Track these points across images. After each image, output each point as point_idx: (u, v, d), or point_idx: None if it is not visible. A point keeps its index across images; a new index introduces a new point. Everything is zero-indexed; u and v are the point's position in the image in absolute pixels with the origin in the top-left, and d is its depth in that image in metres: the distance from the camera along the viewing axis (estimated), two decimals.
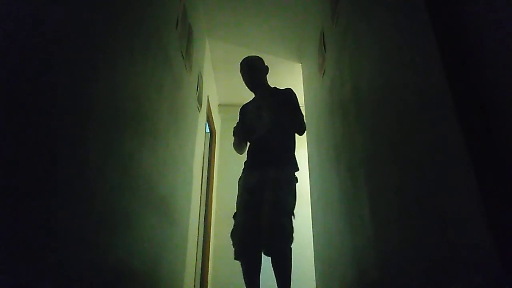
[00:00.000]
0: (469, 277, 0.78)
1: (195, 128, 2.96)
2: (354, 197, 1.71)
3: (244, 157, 2.11)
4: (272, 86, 2.17)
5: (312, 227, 3.08)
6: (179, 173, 2.28)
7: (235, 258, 1.82)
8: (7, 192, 0.74)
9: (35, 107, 0.84)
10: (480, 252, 0.74)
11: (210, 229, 3.92)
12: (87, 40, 1.09)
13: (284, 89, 2.12)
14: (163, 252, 1.91)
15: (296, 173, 1.98)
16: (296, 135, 2.05)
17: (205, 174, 3.83)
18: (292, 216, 1.82)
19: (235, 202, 1.97)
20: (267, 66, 2.16)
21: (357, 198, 1.66)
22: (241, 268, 1.84)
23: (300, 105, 2.08)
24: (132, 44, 1.46)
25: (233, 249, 1.83)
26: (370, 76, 1.47)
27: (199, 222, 3.28)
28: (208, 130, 4.16)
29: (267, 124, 1.98)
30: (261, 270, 1.84)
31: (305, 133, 2.18)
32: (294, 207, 1.85)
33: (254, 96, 2.19)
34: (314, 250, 3.03)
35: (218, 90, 4.82)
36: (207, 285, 3.69)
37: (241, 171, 2.04)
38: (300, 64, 4.01)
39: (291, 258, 1.78)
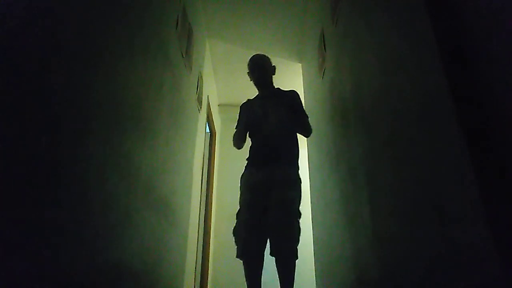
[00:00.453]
0: (468, 277, 0.78)
1: (195, 128, 2.96)
2: (354, 197, 1.71)
3: (245, 156, 2.11)
4: (276, 87, 2.18)
5: (312, 227, 3.08)
6: (179, 173, 2.28)
7: (238, 257, 1.81)
8: (7, 192, 0.74)
9: (35, 107, 0.84)
10: (479, 252, 0.74)
11: (210, 229, 3.92)
12: (87, 40, 1.09)
13: (289, 90, 2.14)
14: (163, 252, 1.91)
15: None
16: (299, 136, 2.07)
17: (205, 174, 3.83)
18: (299, 216, 1.83)
19: (238, 199, 1.96)
20: (274, 66, 2.18)
21: (357, 198, 1.66)
22: (242, 267, 1.83)
23: (303, 106, 2.10)
24: (132, 44, 1.46)
25: (236, 247, 1.83)
26: (370, 76, 1.47)
27: (199, 222, 3.28)
28: (208, 130, 4.16)
29: (274, 123, 1.98)
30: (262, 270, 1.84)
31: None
32: (299, 207, 1.86)
33: (257, 94, 2.20)
34: (314, 250, 3.03)
35: (218, 90, 4.82)
36: (207, 285, 3.69)
37: (244, 168, 2.04)
38: (300, 64, 4.01)
39: (297, 258, 1.78)
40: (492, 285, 0.71)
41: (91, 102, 1.11)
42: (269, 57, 2.22)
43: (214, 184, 4.34)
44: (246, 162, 2.05)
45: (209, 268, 3.88)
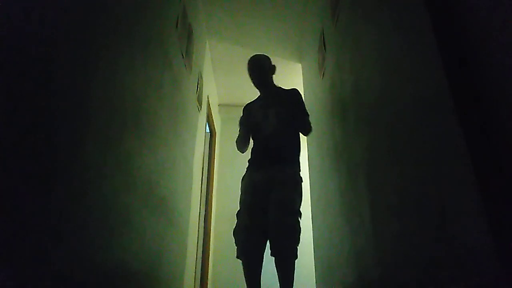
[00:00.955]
0: (468, 277, 0.78)
1: (195, 128, 2.96)
2: (354, 197, 1.71)
3: (245, 156, 2.11)
4: (277, 86, 2.17)
5: (312, 227, 3.08)
6: (179, 173, 2.28)
7: (237, 257, 1.81)
8: (7, 192, 0.74)
9: (35, 107, 0.84)
10: (480, 252, 0.74)
11: (210, 229, 3.92)
12: (87, 40, 1.09)
13: (290, 89, 2.13)
14: (163, 252, 1.91)
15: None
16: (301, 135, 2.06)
17: (205, 174, 3.83)
18: (299, 216, 1.83)
19: (237, 202, 1.96)
20: (274, 65, 2.17)
21: (357, 198, 1.66)
22: (242, 267, 1.83)
23: (304, 105, 2.09)
24: (132, 44, 1.46)
25: (236, 247, 1.83)
26: (370, 76, 1.47)
27: (199, 222, 3.28)
28: (208, 130, 4.16)
29: (274, 123, 1.97)
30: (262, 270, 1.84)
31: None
32: (300, 207, 1.86)
33: (258, 95, 2.20)
34: (314, 250, 3.03)
35: (218, 90, 4.82)
36: (207, 285, 3.69)
37: (245, 169, 2.04)
38: (300, 64, 4.01)
39: (296, 258, 1.78)
40: (492, 285, 0.71)
41: (91, 102, 1.11)
42: (269, 56, 2.21)
43: (214, 184, 4.34)
44: (248, 163, 2.05)
45: (209, 268, 3.88)
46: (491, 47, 0.79)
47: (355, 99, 1.71)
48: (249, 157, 2.06)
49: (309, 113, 2.10)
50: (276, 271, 1.78)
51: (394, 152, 1.23)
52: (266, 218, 1.79)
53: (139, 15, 1.56)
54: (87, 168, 1.07)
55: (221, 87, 4.73)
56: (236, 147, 2.12)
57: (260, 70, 2.10)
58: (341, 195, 2.00)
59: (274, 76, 2.18)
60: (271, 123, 1.98)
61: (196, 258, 3.08)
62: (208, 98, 3.78)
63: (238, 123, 2.13)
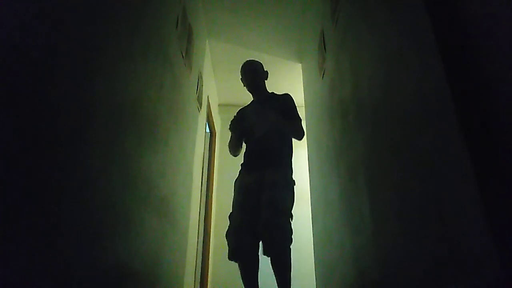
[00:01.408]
0: (469, 277, 0.78)
1: (195, 128, 2.96)
2: (354, 197, 1.71)
3: (243, 156, 2.11)
4: (270, 91, 2.20)
5: (312, 227, 3.08)
6: (179, 173, 2.28)
7: (230, 259, 1.81)
8: (7, 192, 0.74)
9: (35, 107, 0.84)
10: (480, 252, 0.74)
11: (210, 229, 3.92)
12: (87, 40, 1.09)
13: (283, 94, 2.15)
14: (163, 252, 1.91)
15: (294, 175, 1.99)
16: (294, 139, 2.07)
17: (205, 174, 3.83)
18: (290, 218, 1.82)
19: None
20: (267, 71, 2.21)
21: (357, 198, 1.66)
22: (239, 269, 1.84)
23: (298, 110, 2.10)
24: (132, 44, 1.46)
25: (228, 249, 1.83)
26: (370, 76, 1.47)
27: (199, 222, 3.28)
28: (208, 130, 4.16)
29: (266, 127, 1.99)
30: (259, 271, 1.84)
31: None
32: (291, 208, 1.85)
33: (252, 99, 2.22)
34: (314, 250, 3.03)
35: (218, 90, 4.82)
36: (207, 285, 3.69)
37: (238, 172, 2.06)
38: (300, 64, 4.01)
39: (291, 258, 1.78)
40: (492, 285, 0.71)
41: (91, 102, 1.11)
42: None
43: (214, 184, 4.34)
44: (241, 166, 2.07)
45: (209, 268, 3.88)
46: (491, 47, 0.79)
47: (355, 99, 1.71)
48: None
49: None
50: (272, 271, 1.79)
51: (394, 152, 1.23)
52: (258, 220, 1.79)
53: (139, 15, 1.56)
54: (87, 168, 1.07)
55: (221, 87, 4.73)
56: (229, 151, 2.15)
57: (253, 75, 2.13)
58: (341, 195, 2.00)
59: (269, 79, 2.21)
60: (264, 126, 2.00)
61: (196, 258, 3.08)
62: (208, 98, 3.78)
63: (229, 127, 2.13)
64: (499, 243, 0.69)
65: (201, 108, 3.24)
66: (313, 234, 3.06)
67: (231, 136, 2.15)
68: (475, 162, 0.76)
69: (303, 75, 3.86)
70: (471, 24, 0.86)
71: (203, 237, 3.72)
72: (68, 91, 0.97)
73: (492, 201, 0.72)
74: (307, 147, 3.35)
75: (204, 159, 3.73)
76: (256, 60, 2.23)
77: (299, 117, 2.07)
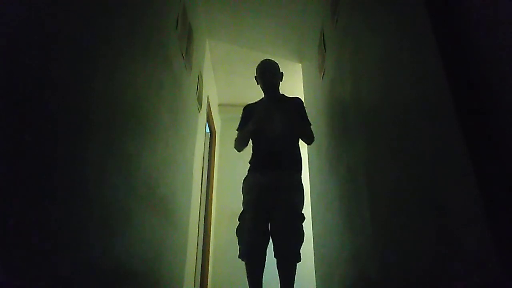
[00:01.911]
0: (469, 277, 0.78)
1: (195, 128, 2.96)
2: (354, 197, 1.71)
3: (245, 156, 2.11)
4: (281, 93, 2.21)
5: (312, 227, 3.08)
6: (179, 173, 2.28)
7: (240, 257, 1.83)
8: (7, 192, 0.74)
9: (35, 107, 0.84)
10: (480, 252, 0.74)
11: (210, 229, 3.92)
12: (87, 40, 1.09)
13: (294, 97, 2.17)
14: (163, 252, 1.91)
15: None
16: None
17: (205, 174, 3.83)
18: (303, 221, 1.86)
19: (236, 202, 1.98)
20: (282, 72, 2.23)
21: (357, 198, 1.66)
22: (242, 267, 1.85)
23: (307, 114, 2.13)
24: (132, 44, 1.46)
25: (239, 247, 1.84)
26: (370, 76, 1.47)
27: (199, 222, 3.28)
28: (208, 130, 4.16)
29: (279, 128, 2.00)
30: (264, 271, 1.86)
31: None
32: (302, 211, 1.90)
33: (258, 95, 2.22)
34: (314, 250, 3.03)
35: (218, 90, 4.82)
36: (207, 285, 3.69)
37: (247, 171, 2.05)
38: (300, 64, 4.01)
39: (299, 260, 1.81)
40: (492, 285, 0.71)
41: (91, 102, 1.11)
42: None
43: (214, 184, 4.34)
44: (249, 165, 2.06)
45: (209, 268, 3.88)
46: (491, 47, 0.79)
47: (355, 99, 1.71)
48: (250, 158, 2.07)
49: (308, 114, 2.12)
50: (277, 272, 1.80)
51: (394, 152, 1.23)
52: (269, 220, 1.81)
53: (139, 15, 1.56)
54: (87, 168, 1.07)
55: (221, 87, 4.73)
56: (234, 145, 2.14)
57: (272, 74, 2.14)
58: (341, 195, 2.00)
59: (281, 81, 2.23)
60: (277, 127, 2.00)
61: (196, 258, 3.08)
62: (208, 98, 3.78)
63: (238, 123, 2.14)
64: (499, 243, 0.69)
65: (201, 108, 3.24)
66: (313, 234, 3.06)
67: (239, 129, 2.14)
68: (475, 162, 0.76)
69: (303, 75, 3.86)
70: (471, 24, 0.86)
71: (203, 237, 3.72)
72: (67, 91, 0.97)
73: (492, 201, 0.72)
74: (307, 147, 3.35)
75: (204, 159, 3.73)
76: (273, 60, 2.25)
77: (309, 122, 2.11)
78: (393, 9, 1.22)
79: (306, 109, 2.17)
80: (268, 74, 2.14)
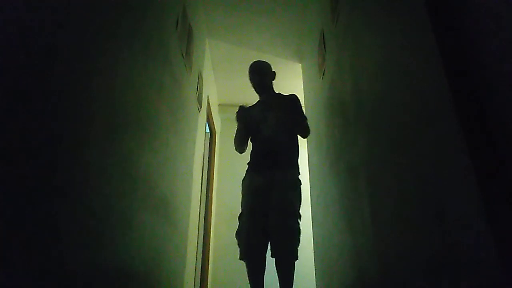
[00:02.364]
0: (469, 277, 0.78)
1: (195, 128, 2.96)
2: (354, 197, 1.71)
3: (245, 156, 2.11)
4: (277, 92, 2.21)
5: (312, 227, 3.08)
6: (179, 173, 2.28)
7: (241, 259, 1.83)
8: (7, 192, 0.74)
9: (35, 107, 0.84)
10: (480, 252, 0.74)
11: (210, 229, 3.92)
12: (87, 40, 1.09)
13: (289, 94, 2.17)
14: (163, 252, 1.91)
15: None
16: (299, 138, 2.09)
17: (205, 174, 3.83)
18: (299, 218, 1.85)
19: (237, 202, 1.98)
20: (274, 72, 2.22)
21: (357, 198, 1.66)
22: (242, 268, 1.85)
23: (303, 110, 2.12)
24: (132, 44, 1.46)
25: (239, 249, 1.84)
26: (370, 76, 1.47)
27: (199, 222, 3.28)
28: (208, 130, 4.16)
29: (273, 127, 2.00)
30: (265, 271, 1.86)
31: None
32: (299, 209, 1.89)
33: (258, 99, 2.23)
34: (314, 250, 3.03)
35: (218, 90, 4.82)
36: (207, 285, 3.69)
37: (245, 171, 2.05)
38: (300, 64, 4.01)
39: (297, 259, 1.80)
40: (492, 285, 0.71)
41: (91, 102, 1.11)
42: (269, 59, 2.26)
43: (214, 184, 4.34)
44: (247, 166, 2.06)
45: (209, 268, 3.88)
46: (491, 47, 0.79)
47: (355, 99, 1.71)
48: (249, 159, 2.08)
49: (308, 114, 2.12)
50: (276, 271, 1.80)
51: (394, 152, 1.23)
52: (267, 220, 1.80)
53: (139, 15, 1.56)
54: (87, 168, 1.07)
55: (221, 87, 4.73)
56: (234, 148, 2.15)
57: (262, 74, 2.14)
58: (341, 195, 2.00)
59: (274, 80, 2.23)
60: (271, 126, 2.00)
61: (196, 258, 3.08)
62: (208, 98, 3.77)
63: (236, 120, 2.14)
64: (499, 243, 0.69)
65: (201, 108, 3.24)
66: (313, 234, 3.06)
67: (236, 131, 2.15)
68: (475, 162, 0.76)
69: (303, 75, 3.86)
70: (471, 24, 0.86)
71: (203, 237, 3.72)
72: (67, 91, 0.97)
73: (492, 201, 0.72)
74: (307, 147, 3.35)
75: (204, 159, 3.73)
76: (264, 60, 2.25)
77: (305, 116, 2.10)
78: (393, 9, 1.22)
79: (306, 108, 2.18)
80: (257, 76, 2.15)
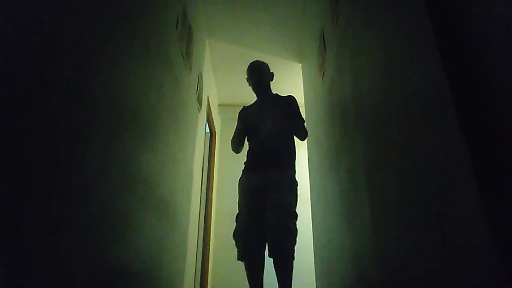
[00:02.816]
0: (469, 277, 0.78)
1: (195, 128, 2.96)
2: (354, 197, 1.71)
3: (243, 157, 2.11)
4: (274, 93, 2.22)
5: (312, 227, 3.08)
6: (179, 173, 2.28)
7: (239, 259, 1.83)
8: (7, 192, 0.74)
9: (35, 107, 0.84)
10: (480, 252, 0.74)
11: (210, 229, 3.92)
12: (87, 40, 1.09)
13: (287, 96, 2.17)
14: (163, 252, 1.91)
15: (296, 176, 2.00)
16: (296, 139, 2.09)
17: (205, 174, 3.83)
18: (295, 218, 1.85)
19: (237, 203, 1.98)
20: (272, 73, 2.23)
21: (357, 198, 1.66)
22: (244, 269, 1.85)
23: (300, 110, 2.12)
24: (132, 44, 1.46)
25: (236, 250, 1.84)
26: (370, 76, 1.47)
27: (199, 222, 3.28)
28: (208, 130, 4.16)
29: (270, 127, 2.01)
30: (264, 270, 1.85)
31: None
32: (295, 208, 1.88)
33: (256, 99, 2.23)
34: (314, 250, 3.03)
35: (218, 90, 4.82)
36: (207, 285, 3.69)
37: (241, 172, 2.06)
38: (300, 64, 4.01)
39: (294, 259, 1.79)
40: (492, 285, 0.71)
41: (91, 102, 1.11)
42: (269, 59, 2.26)
43: (214, 184, 4.34)
44: (244, 165, 2.07)
45: (209, 268, 3.88)
46: (491, 47, 0.79)
47: (355, 99, 1.71)
48: (245, 160, 2.08)
49: (308, 114, 2.12)
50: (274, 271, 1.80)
51: (394, 152, 1.23)
52: (265, 220, 1.80)
53: (139, 15, 1.56)
54: (87, 168, 1.07)
55: (221, 87, 4.73)
56: (231, 148, 2.16)
57: (260, 75, 2.15)
58: (341, 195, 2.00)
59: (274, 77, 2.23)
60: (268, 126, 2.01)
61: (196, 258, 3.08)
62: (208, 98, 3.77)
63: (237, 119, 2.16)
64: (499, 243, 0.69)
65: (201, 108, 3.24)
66: (313, 234, 3.06)
67: (234, 132, 2.16)
68: (475, 162, 0.76)
69: (303, 75, 3.86)
70: (471, 24, 0.85)
71: (203, 237, 3.72)
72: (67, 91, 0.97)
73: (492, 201, 0.72)
74: (307, 147, 3.35)
75: (204, 159, 3.73)
76: (262, 61, 2.25)
77: (302, 118, 2.10)
78: (393, 9, 1.22)
79: (306, 108, 2.18)
80: (256, 76, 2.16)
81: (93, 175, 1.11)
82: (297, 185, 1.96)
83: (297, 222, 1.84)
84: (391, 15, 1.24)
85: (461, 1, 0.90)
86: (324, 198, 2.55)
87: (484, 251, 0.72)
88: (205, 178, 3.90)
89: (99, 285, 1.13)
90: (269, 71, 2.22)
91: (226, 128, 4.98)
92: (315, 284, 2.94)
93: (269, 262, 1.83)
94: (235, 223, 1.91)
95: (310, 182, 3.20)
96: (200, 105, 3.20)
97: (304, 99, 3.57)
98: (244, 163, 2.07)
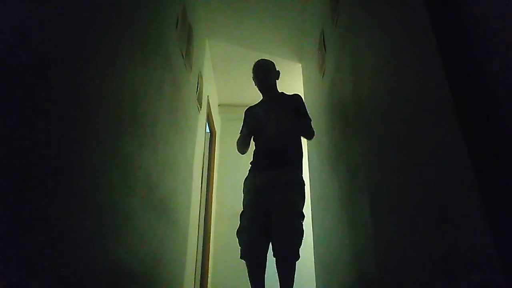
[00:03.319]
0: (469, 277, 0.78)
1: (195, 128, 2.96)
2: (354, 197, 1.71)
3: (245, 156, 2.11)
4: (280, 91, 2.21)
5: (312, 227, 3.08)
6: (179, 173, 2.28)
7: (242, 258, 1.82)
8: (6, 192, 0.74)
9: (35, 107, 0.84)
10: (480, 252, 0.74)
11: (210, 229, 3.92)
12: (87, 40, 1.09)
13: (293, 94, 2.16)
14: (163, 252, 1.91)
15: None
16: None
17: (205, 174, 3.83)
18: (302, 219, 1.85)
19: (237, 202, 1.97)
20: (278, 71, 2.21)
21: (357, 198, 1.66)
22: (242, 267, 1.84)
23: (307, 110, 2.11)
24: (132, 44, 1.46)
25: (239, 247, 1.84)
26: (370, 76, 1.47)
27: (199, 222, 3.28)
28: (208, 130, 4.16)
29: (277, 126, 1.99)
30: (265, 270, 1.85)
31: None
32: (302, 208, 1.88)
33: (259, 95, 2.22)
34: (314, 250, 3.03)
35: (218, 90, 4.81)
36: (207, 285, 3.69)
37: (247, 170, 2.05)
38: (300, 64, 4.01)
39: (298, 259, 1.80)
40: (493, 285, 0.71)
41: (91, 102, 1.11)
42: (270, 58, 2.25)
43: (214, 184, 4.34)
44: (250, 165, 2.06)
45: (209, 268, 3.88)
46: (491, 46, 0.79)
47: (355, 99, 1.71)
48: (251, 158, 2.07)
49: (311, 118, 2.12)
50: (276, 271, 1.79)
51: (394, 152, 1.23)
52: (269, 219, 1.80)
53: (139, 15, 1.56)
54: (87, 168, 1.07)
55: (221, 87, 4.73)
56: (236, 148, 2.14)
57: (266, 74, 2.13)
58: (341, 195, 2.00)
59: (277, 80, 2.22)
60: (274, 126, 1.99)
61: (196, 258, 3.08)
62: (208, 98, 3.77)
63: (240, 125, 2.15)
64: (499, 243, 0.69)
65: (201, 108, 3.24)
66: (313, 234, 3.06)
67: (241, 131, 2.14)
68: (475, 162, 0.76)
69: (303, 75, 3.86)
70: (471, 23, 0.85)
71: (203, 237, 3.72)
72: (67, 91, 0.97)
73: (492, 201, 0.72)
74: (307, 147, 3.35)
75: (204, 159, 3.73)
76: (268, 59, 2.24)
77: (309, 117, 2.09)
78: (393, 9, 1.22)
79: (306, 108, 2.17)
80: (261, 74, 2.14)
81: (92, 175, 1.10)
82: (305, 185, 1.96)
83: (303, 222, 1.84)
84: (391, 15, 1.24)
85: (461, 1, 0.90)
86: (324, 198, 2.55)
87: (484, 251, 0.72)
88: (205, 178, 3.90)
89: (99, 285, 1.13)
90: (275, 69, 2.21)
91: (226, 128, 4.98)
92: (315, 284, 2.94)
93: (270, 262, 1.83)
94: (239, 222, 1.91)
95: (310, 182, 3.20)
96: (200, 105, 3.20)
97: (304, 99, 3.55)
98: (251, 162, 2.06)
